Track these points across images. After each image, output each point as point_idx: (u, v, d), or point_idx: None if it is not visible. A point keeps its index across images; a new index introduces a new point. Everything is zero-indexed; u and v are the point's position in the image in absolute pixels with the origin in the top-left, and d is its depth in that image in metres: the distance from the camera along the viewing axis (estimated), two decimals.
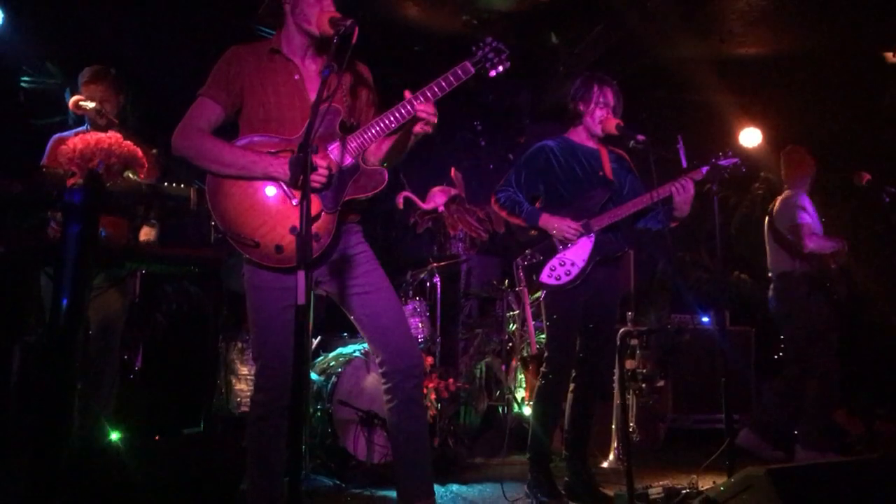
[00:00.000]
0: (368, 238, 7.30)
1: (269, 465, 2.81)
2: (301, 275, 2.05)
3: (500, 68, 2.91)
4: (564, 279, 3.89)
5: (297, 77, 2.87)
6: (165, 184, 4.16)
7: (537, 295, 4.76)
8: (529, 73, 6.94)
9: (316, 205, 2.73)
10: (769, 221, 5.58)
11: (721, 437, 5.66)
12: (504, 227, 6.51)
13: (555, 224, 3.92)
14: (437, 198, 6.47)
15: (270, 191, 2.75)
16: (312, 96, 2.79)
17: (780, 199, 5.57)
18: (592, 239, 3.93)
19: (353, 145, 2.82)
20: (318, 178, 2.68)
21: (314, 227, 2.70)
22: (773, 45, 6.42)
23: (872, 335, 5.84)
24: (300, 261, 2.08)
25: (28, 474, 3.41)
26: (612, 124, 3.96)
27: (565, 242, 3.92)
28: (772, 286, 5.49)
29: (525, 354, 5.87)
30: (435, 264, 5.85)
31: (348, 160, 2.81)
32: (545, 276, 3.93)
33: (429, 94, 2.82)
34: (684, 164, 3.73)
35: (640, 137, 3.82)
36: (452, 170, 6.54)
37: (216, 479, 3.75)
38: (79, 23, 5.50)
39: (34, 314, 4.36)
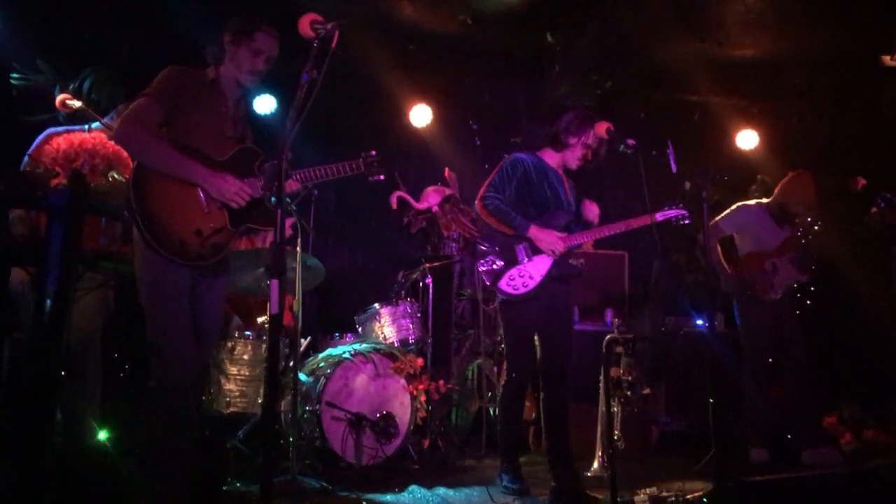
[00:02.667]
0: (364, 237, 7.35)
1: (175, 440, 3.16)
2: (275, 283, 2.03)
3: (381, 177, 3.55)
4: (521, 290, 4.12)
5: (224, 110, 3.31)
6: None
7: None
8: (525, 73, 6.90)
9: (222, 219, 3.19)
10: None
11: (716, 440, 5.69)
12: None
13: (544, 237, 4.16)
14: (431, 198, 6.45)
15: (191, 193, 3.13)
16: (229, 133, 3.31)
17: None
18: (552, 258, 4.18)
19: (259, 187, 3.24)
20: (237, 199, 3.17)
21: (217, 238, 3.16)
22: (771, 48, 6.36)
23: (863, 342, 5.81)
24: (274, 270, 2.06)
25: (11, 473, 3.40)
26: (603, 128, 4.00)
27: (554, 254, 4.15)
28: None
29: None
30: (427, 265, 5.83)
31: (258, 194, 3.24)
32: (504, 284, 4.15)
33: (316, 175, 3.37)
34: (674, 168, 3.72)
35: (631, 142, 3.86)
36: (446, 170, 6.51)
37: (202, 478, 3.75)
38: (69, 20, 5.48)
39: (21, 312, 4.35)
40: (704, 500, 2.69)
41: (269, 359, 2.05)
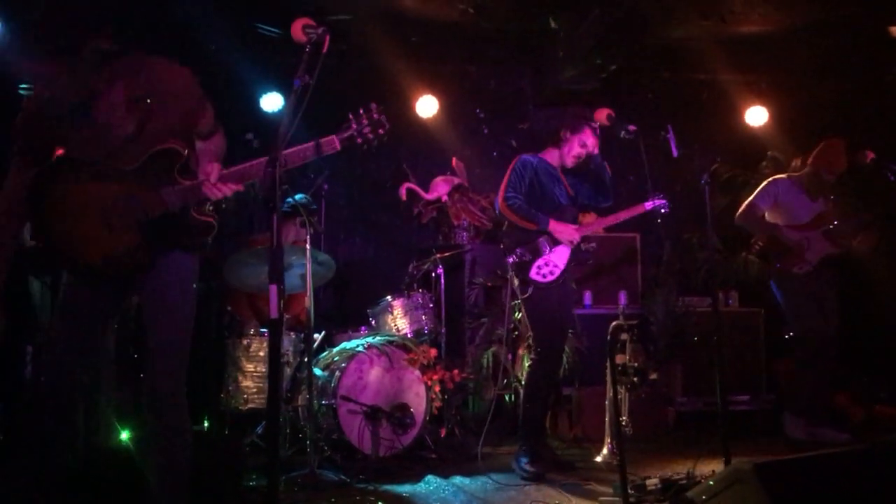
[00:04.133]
0: (375, 230, 7.27)
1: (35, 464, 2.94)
2: (273, 289, 2.07)
3: (375, 142, 2.85)
4: (550, 278, 4.52)
5: (96, 110, 2.87)
6: None
7: None
8: (530, 59, 6.88)
9: (130, 238, 2.79)
10: None
11: (733, 418, 5.70)
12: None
13: (562, 229, 4.57)
14: (440, 188, 6.48)
15: (86, 211, 2.79)
16: (120, 131, 2.84)
17: None
18: (570, 247, 4.60)
19: (180, 198, 2.81)
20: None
21: (133, 258, 2.79)
22: (776, 22, 6.28)
23: (874, 318, 5.78)
24: (271, 275, 2.09)
25: (35, 474, 3.49)
26: (604, 114, 4.07)
27: (572, 244, 4.57)
28: None
29: (531, 342, 5.86)
30: (438, 255, 5.86)
31: (177, 206, 2.81)
32: (534, 274, 4.52)
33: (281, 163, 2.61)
34: (675, 153, 3.74)
35: (632, 128, 3.93)
36: (454, 159, 6.53)
37: (219, 476, 3.83)
38: (77, 29, 5.52)
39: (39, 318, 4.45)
40: (710, 483, 2.70)
41: (270, 362, 2.10)
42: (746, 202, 5.54)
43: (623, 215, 4.72)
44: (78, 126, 2.84)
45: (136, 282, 2.91)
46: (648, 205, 4.59)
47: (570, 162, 4.70)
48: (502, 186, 4.64)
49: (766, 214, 5.53)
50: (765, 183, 5.58)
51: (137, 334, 4.92)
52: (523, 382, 4.81)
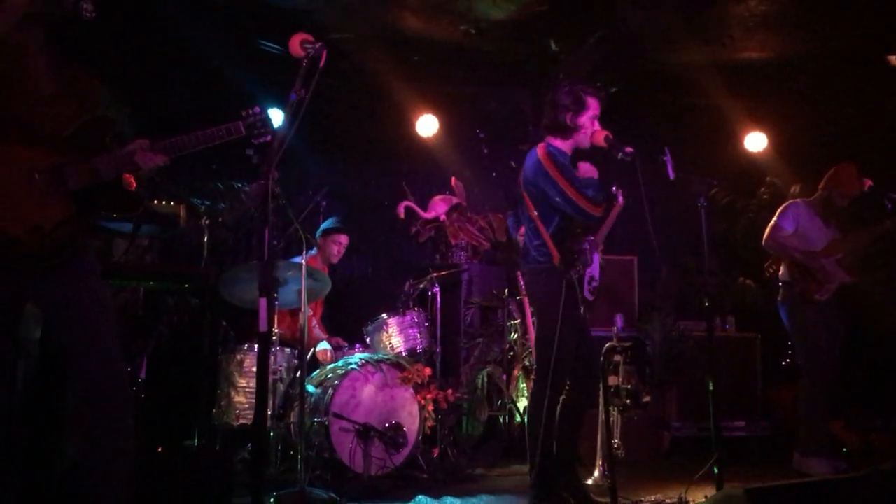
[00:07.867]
0: (373, 247, 7.24)
1: None
2: (263, 301, 2.05)
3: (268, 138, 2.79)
4: (594, 294, 3.93)
5: (26, 69, 2.71)
6: (155, 201, 4.22)
7: None
8: (530, 81, 6.92)
9: (67, 209, 2.62)
10: None
11: (727, 444, 5.64)
12: (506, 235, 6.51)
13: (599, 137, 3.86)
14: (438, 207, 6.49)
15: (10, 174, 2.58)
16: (48, 90, 2.71)
17: None
18: (598, 253, 3.99)
19: (113, 165, 2.73)
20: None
21: (61, 232, 2.60)
22: (776, 49, 6.34)
23: (870, 346, 5.77)
24: (261, 287, 2.08)
25: (24, 486, 3.46)
26: (601, 136, 3.93)
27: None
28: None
29: (527, 363, 5.86)
30: (435, 273, 5.85)
31: (111, 175, 2.74)
32: (587, 291, 3.83)
33: (185, 143, 2.79)
34: (671, 175, 3.69)
35: (629, 150, 3.81)
36: (453, 179, 6.55)
37: (205, 493, 3.80)
38: (74, 38, 5.54)
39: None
40: None
41: (258, 376, 2.08)
42: (770, 225, 5.36)
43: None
44: None
45: (38, 283, 2.65)
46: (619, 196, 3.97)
47: (587, 144, 3.94)
48: (567, 190, 3.75)
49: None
50: (785, 205, 5.45)
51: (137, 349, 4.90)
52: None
